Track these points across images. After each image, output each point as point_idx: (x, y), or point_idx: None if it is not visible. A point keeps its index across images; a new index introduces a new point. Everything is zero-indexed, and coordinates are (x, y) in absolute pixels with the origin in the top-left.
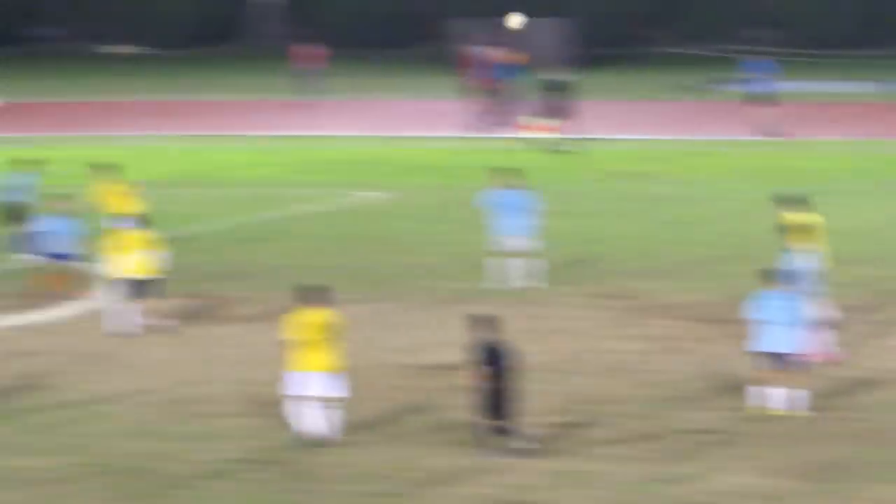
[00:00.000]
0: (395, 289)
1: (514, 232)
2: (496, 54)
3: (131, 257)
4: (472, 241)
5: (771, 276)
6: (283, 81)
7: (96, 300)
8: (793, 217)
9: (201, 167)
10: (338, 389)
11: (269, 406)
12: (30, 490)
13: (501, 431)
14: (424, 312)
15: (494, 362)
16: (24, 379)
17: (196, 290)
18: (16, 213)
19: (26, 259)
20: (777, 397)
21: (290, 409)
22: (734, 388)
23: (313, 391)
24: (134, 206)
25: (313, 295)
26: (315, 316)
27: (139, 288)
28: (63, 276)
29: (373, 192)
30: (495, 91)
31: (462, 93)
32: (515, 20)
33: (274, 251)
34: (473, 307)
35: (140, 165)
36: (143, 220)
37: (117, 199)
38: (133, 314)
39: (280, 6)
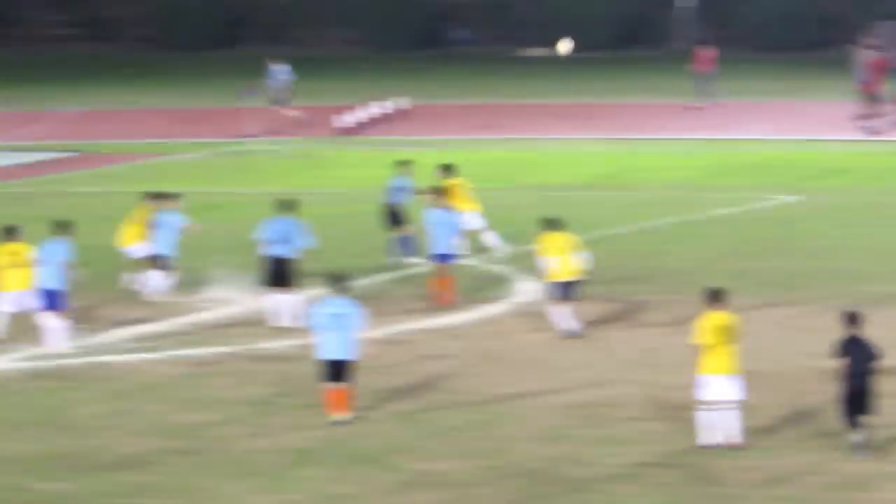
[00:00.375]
0: (808, 292)
1: None
2: (879, 58)
3: (561, 259)
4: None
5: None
6: (689, 84)
7: (505, 303)
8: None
9: (615, 170)
10: (738, 392)
11: (675, 410)
12: (440, 493)
13: (854, 425)
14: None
15: (854, 357)
16: (432, 382)
17: (607, 293)
18: (397, 216)
19: (412, 262)
20: None
21: (700, 413)
22: None
23: (720, 394)
24: (472, 205)
25: (715, 297)
26: (719, 319)
27: (566, 290)
28: (448, 278)
29: (785, 196)
30: (876, 94)
31: (863, 95)
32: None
33: (684, 254)
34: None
35: (557, 168)
36: (557, 224)
37: (461, 198)
38: (565, 316)
39: (698, 9)
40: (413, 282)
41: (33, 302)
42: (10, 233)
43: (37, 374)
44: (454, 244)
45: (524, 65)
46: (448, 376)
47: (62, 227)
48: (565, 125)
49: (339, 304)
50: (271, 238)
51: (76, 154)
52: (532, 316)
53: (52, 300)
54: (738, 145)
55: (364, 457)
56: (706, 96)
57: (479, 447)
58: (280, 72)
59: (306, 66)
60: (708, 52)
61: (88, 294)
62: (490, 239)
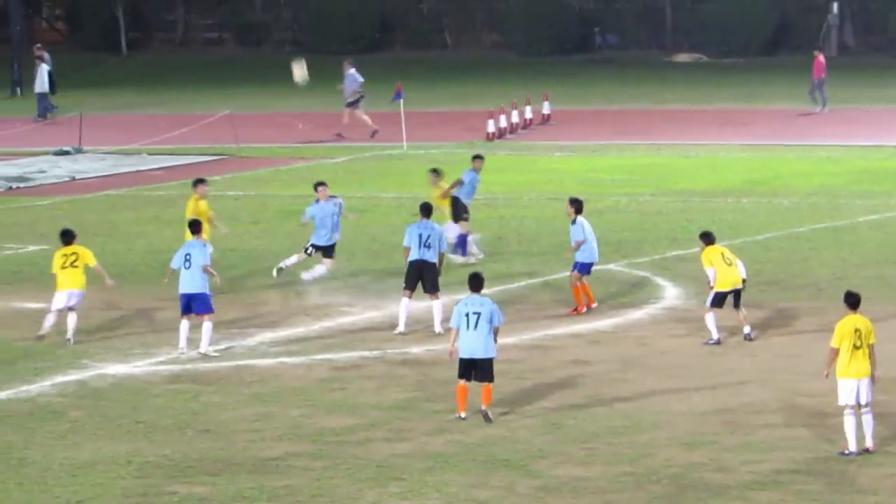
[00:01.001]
0: None
1: None
2: None
3: (723, 270)
4: None
5: None
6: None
7: (646, 308)
8: None
9: (762, 176)
10: (870, 395)
11: (817, 416)
12: (578, 499)
13: None
14: None
15: None
16: (573, 387)
17: (752, 300)
18: (458, 211)
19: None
20: None
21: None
22: None
23: (856, 398)
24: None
25: (852, 302)
26: (857, 322)
27: (726, 299)
28: (585, 285)
29: None
30: None
31: None
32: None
33: (830, 261)
34: None
35: (702, 174)
36: (712, 237)
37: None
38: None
39: (845, 15)
40: (553, 286)
41: (78, 301)
42: (66, 236)
43: (177, 378)
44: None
45: (672, 70)
46: (589, 382)
47: (195, 227)
48: (712, 131)
49: (477, 303)
50: (415, 243)
51: (222, 157)
52: (673, 322)
53: (197, 304)
54: (884, 152)
55: (504, 462)
56: (819, 102)
57: (618, 453)
58: (352, 76)
59: (454, 70)
60: (822, 59)
61: (229, 297)
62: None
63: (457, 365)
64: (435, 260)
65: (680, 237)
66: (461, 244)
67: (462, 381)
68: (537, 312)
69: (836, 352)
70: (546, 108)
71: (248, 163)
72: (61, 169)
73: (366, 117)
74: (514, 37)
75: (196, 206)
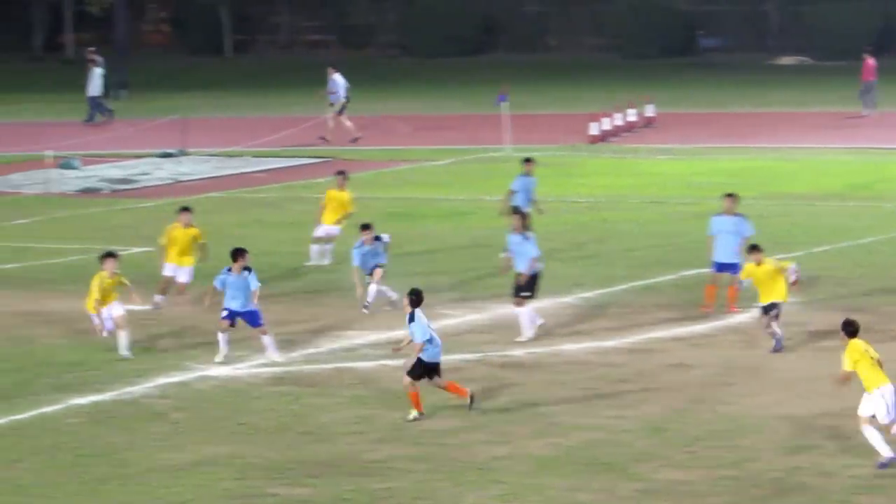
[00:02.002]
0: None
1: None
2: None
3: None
4: None
5: None
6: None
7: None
8: None
9: (866, 180)
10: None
11: None
12: (679, 502)
13: None
14: None
15: None
16: (674, 391)
17: (856, 304)
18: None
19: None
20: None
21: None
22: None
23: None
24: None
25: (852, 330)
26: (863, 344)
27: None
28: (714, 287)
29: None
30: None
31: None
32: None
33: None
34: None
35: (805, 178)
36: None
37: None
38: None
39: None
40: (654, 289)
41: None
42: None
43: (279, 380)
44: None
45: (775, 73)
46: (691, 385)
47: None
48: (814, 134)
49: None
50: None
51: (325, 160)
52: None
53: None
54: None
55: (605, 465)
56: (869, 106)
57: (719, 457)
58: (336, 82)
59: (558, 72)
60: (872, 61)
61: (330, 297)
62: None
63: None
64: (535, 269)
65: (782, 241)
66: None
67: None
68: (639, 316)
69: (849, 375)
70: (649, 111)
71: (350, 165)
72: (165, 171)
73: (349, 123)
74: (617, 39)
75: (180, 233)
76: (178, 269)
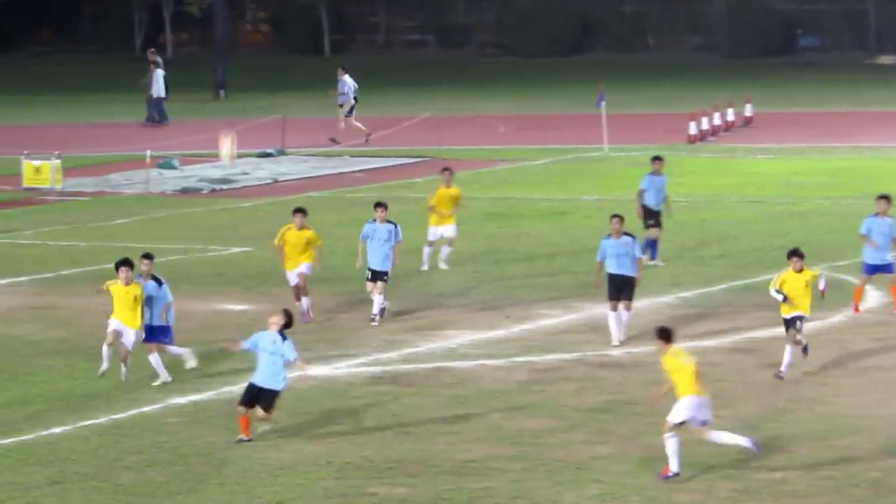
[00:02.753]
0: None
1: None
2: None
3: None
4: None
5: None
6: None
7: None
8: None
9: None
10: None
11: None
12: (777, 502)
13: None
14: None
15: None
16: (772, 390)
17: None
18: (648, 216)
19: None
20: None
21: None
22: None
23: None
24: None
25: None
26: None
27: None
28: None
29: None
30: None
31: None
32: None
33: None
34: None
35: None
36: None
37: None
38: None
39: None
40: (753, 289)
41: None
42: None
43: (377, 380)
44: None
45: (874, 72)
46: (788, 385)
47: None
48: None
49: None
50: (610, 254)
51: (422, 159)
52: (874, 326)
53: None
54: None
55: (703, 465)
56: None
57: (818, 456)
58: (345, 83)
59: (656, 72)
60: None
61: (429, 297)
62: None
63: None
64: (632, 273)
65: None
66: (650, 245)
67: (243, 409)
68: (738, 315)
69: (666, 389)
70: (748, 111)
71: (448, 165)
72: (264, 171)
73: (358, 123)
74: (716, 39)
75: (293, 236)
76: (289, 274)
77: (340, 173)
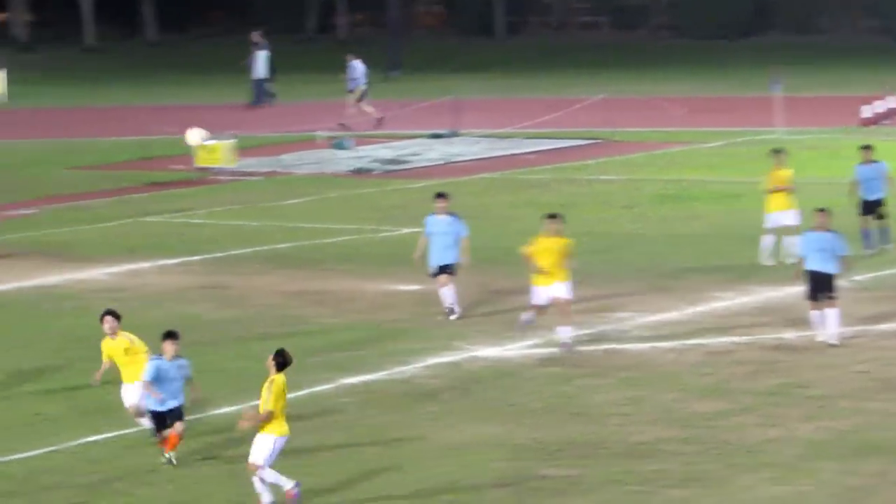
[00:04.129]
0: None
1: None
2: None
3: None
4: None
5: None
6: None
7: None
8: None
9: None
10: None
11: None
12: None
13: None
14: None
15: None
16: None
17: None
18: (867, 206)
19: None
20: None
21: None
22: None
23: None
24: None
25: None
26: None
27: None
28: None
29: None
30: None
31: None
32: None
33: None
34: None
35: None
36: None
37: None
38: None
39: None
40: None
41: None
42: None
43: (549, 362)
44: None
45: None
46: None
47: None
48: None
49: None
50: (809, 252)
51: (595, 141)
52: None
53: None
54: None
55: (877, 449)
56: None
57: None
58: (356, 68)
59: (830, 54)
60: None
61: (600, 280)
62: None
63: None
64: (834, 270)
65: None
66: (867, 235)
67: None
68: None
69: (272, 414)
70: None
71: (621, 147)
72: (436, 152)
73: (369, 108)
74: (891, 22)
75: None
76: (549, 288)
77: (513, 155)
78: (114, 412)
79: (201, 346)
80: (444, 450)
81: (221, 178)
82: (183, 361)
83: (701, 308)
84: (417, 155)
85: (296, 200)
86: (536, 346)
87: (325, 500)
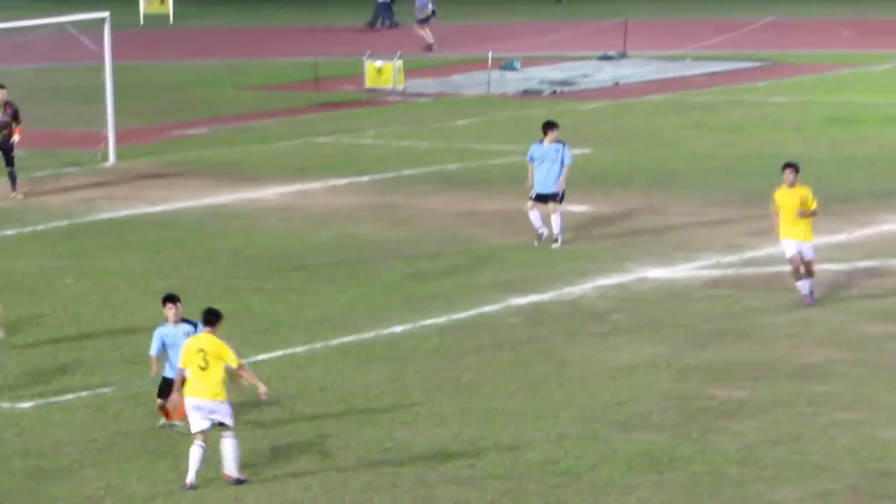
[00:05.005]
0: None
1: None
2: None
3: None
4: None
5: None
6: None
7: None
8: None
9: None
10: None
11: None
12: None
13: None
14: None
15: None
16: None
17: None
18: None
19: None
20: None
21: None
22: None
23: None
24: None
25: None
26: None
27: None
28: None
29: None
30: None
31: None
32: None
33: None
34: None
35: None
36: None
37: None
38: None
39: None
40: None
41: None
42: None
43: (717, 283)
44: None
45: None
46: None
47: None
48: None
49: None
50: None
51: (764, 64)
52: None
53: None
54: None
55: None
56: None
57: None
58: None
59: None
60: None
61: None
62: None
63: None
64: None
65: None
66: None
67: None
68: None
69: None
70: None
71: (790, 69)
72: (605, 74)
73: (425, 33)
74: None
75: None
76: (795, 244)
77: (681, 77)
78: (283, 331)
79: (370, 266)
80: (611, 370)
81: (391, 98)
82: (188, 327)
83: (870, 231)
84: (586, 76)
85: (464, 121)
86: (704, 267)
87: (493, 419)
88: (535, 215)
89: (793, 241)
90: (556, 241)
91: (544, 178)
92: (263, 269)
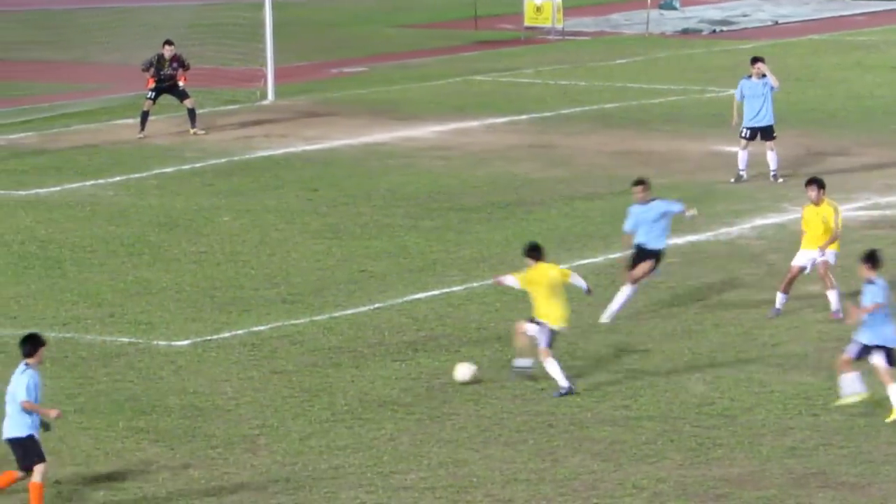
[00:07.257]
0: None
1: None
2: None
3: None
4: None
5: None
6: None
7: None
8: None
9: None
10: None
11: None
12: None
13: None
14: None
15: None
16: None
17: None
18: None
19: None
20: None
21: None
22: None
23: None
24: None
25: None
26: None
27: None
28: None
29: None
30: None
31: None
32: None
33: None
34: None
35: None
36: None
37: None
38: None
39: None
40: None
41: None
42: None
43: (875, 224)
44: None
45: None
46: None
47: None
48: None
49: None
50: None
51: None
52: None
53: None
54: None
55: None
56: None
57: None
58: None
59: None
60: None
61: None
62: None
63: None
64: None
65: None
66: None
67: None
68: None
69: None
70: None
71: None
72: (765, 13)
73: None
74: None
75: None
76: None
77: (841, 16)
78: (440, 270)
79: (528, 206)
80: (767, 312)
81: (549, 37)
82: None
83: None
84: (746, 16)
85: (623, 60)
86: (862, 208)
87: (649, 360)
88: (743, 155)
89: (809, 251)
90: (774, 176)
91: (756, 113)
92: (420, 208)
